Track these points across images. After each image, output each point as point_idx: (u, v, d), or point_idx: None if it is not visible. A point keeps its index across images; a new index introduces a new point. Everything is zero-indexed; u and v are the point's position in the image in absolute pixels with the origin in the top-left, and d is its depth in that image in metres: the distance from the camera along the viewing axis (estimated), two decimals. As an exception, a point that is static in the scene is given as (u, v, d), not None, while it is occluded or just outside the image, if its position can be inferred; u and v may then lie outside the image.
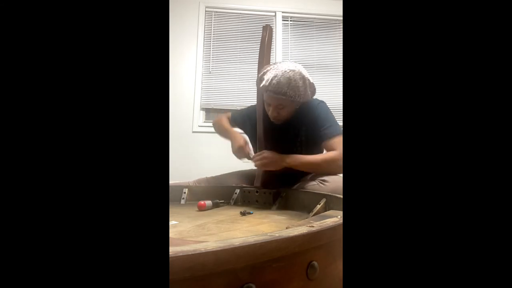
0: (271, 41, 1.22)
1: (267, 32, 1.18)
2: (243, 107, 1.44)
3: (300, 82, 1.01)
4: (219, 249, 0.28)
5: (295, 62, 1.09)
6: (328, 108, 1.17)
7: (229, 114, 1.42)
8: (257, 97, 1.16)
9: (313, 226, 0.38)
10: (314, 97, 1.15)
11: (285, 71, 1.00)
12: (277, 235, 0.33)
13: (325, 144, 1.11)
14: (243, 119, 1.36)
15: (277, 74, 0.99)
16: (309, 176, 1.13)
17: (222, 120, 1.38)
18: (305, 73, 1.04)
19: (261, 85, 1.02)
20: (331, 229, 0.40)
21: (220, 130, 1.37)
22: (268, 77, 1.01)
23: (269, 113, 1.10)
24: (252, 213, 0.87)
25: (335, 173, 1.06)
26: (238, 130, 1.34)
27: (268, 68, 1.04)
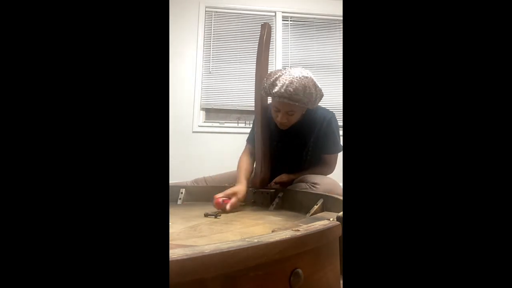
0: (270, 39, 1.21)
1: (266, 30, 1.17)
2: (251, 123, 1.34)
3: (313, 89, 1.02)
4: (185, 257, 0.25)
5: (302, 67, 1.09)
6: (338, 123, 1.21)
7: (249, 146, 1.27)
8: (255, 100, 1.14)
9: (298, 230, 0.35)
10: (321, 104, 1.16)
11: (300, 78, 0.99)
12: (255, 240, 0.30)
13: (323, 156, 1.21)
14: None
15: (292, 80, 0.98)
16: (299, 177, 1.14)
17: (241, 161, 1.22)
18: (315, 80, 1.05)
19: (274, 90, 1.00)
20: (319, 233, 0.37)
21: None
22: (282, 83, 0.99)
23: (278, 118, 1.09)
24: (219, 217, 0.81)
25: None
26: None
27: (279, 74, 1.03)
